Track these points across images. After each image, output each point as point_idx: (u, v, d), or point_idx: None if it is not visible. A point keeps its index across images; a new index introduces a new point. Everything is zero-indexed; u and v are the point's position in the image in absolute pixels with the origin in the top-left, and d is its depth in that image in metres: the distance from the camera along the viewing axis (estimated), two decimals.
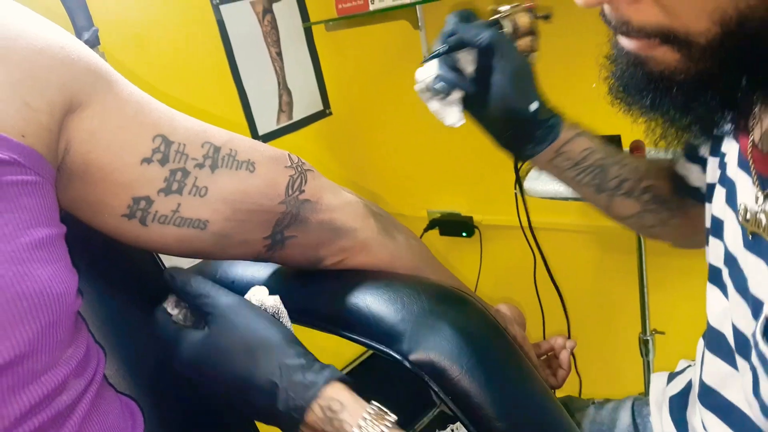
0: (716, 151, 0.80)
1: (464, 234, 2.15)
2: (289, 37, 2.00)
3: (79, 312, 0.63)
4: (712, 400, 0.78)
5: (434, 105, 0.86)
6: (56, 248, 0.55)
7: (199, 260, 0.98)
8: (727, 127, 0.61)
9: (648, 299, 1.67)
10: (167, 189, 0.64)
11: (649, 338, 1.69)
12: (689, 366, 0.97)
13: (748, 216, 0.67)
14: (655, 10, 0.54)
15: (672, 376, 0.99)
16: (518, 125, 0.87)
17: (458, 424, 1.06)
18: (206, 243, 0.68)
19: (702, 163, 0.86)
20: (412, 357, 0.65)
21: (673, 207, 0.95)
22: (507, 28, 0.86)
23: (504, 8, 0.88)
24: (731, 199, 0.73)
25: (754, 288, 0.66)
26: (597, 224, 1.84)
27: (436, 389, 0.65)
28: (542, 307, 1.73)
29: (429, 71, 0.85)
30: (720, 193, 0.76)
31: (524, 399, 0.68)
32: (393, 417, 0.61)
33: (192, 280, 0.71)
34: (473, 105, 0.88)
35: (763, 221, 0.64)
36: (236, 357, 0.65)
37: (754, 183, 0.66)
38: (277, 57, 1.98)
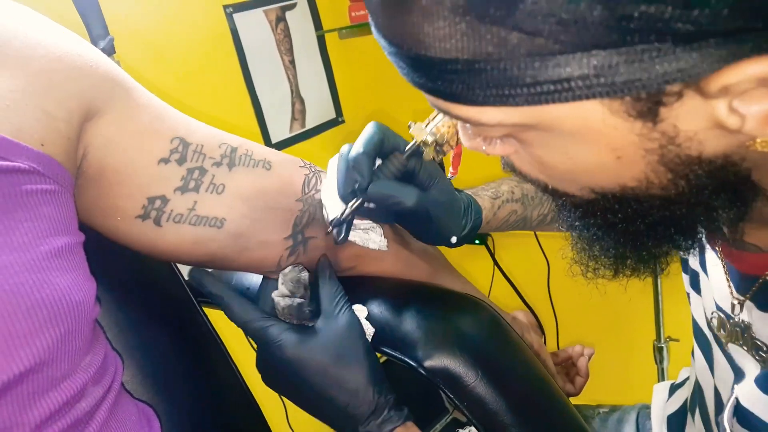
0: None
1: (477, 241, 2.14)
2: (302, 46, 2.01)
3: (96, 319, 0.63)
4: None
5: (351, 235, 0.76)
6: (75, 256, 0.55)
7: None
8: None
9: (662, 306, 1.66)
10: (184, 187, 0.64)
11: (663, 345, 1.68)
12: (689, 378, 0.96)
13: (727, 327, 0.63)
14: (534, 166, 0.51)
15: (673, 388, 0.98)
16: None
17: (468, 429, 1.06)
18: (223, 244, 0.68)
19: None
20: (427, 364, 0.65)
21: None
22: (429, 150, 0.71)
23: (420, 129, 0.72)
24: (702, 261, 0.70)
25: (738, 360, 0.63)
26: None
27: (451, 396, 0.64)
28: (556, 314, 1.73)
29: (336, 206, 0.72)
30: None
31: (540, 406, 0.68)
32: None
33: (329, 282, 0.71)
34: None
35: (740, 332, 0.60)
36: (326, 378, 0.65)
37: (727, 282, 0.62)
38: (290, 65, 1.98)
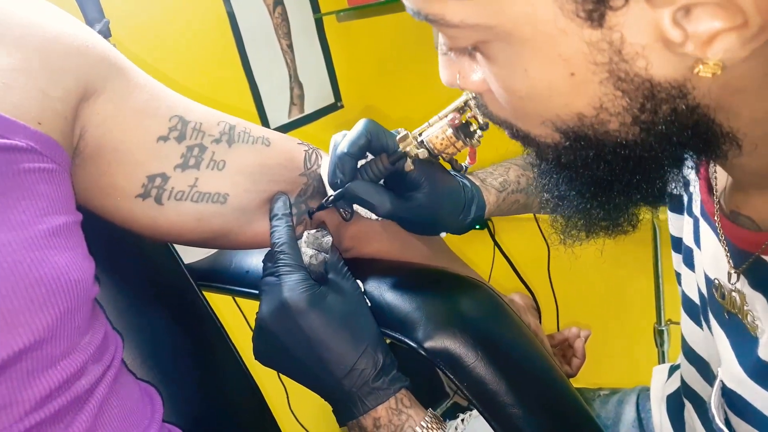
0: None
1: (477, 226, 2.13)
2: (300, 29, 1.99)
3: (96, 299, 0.63)
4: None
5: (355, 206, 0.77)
6: (73, 235, 0.55)
7: (213, 251, 0.98)
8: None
9: (663, 289, 1.66)
10: (184, 164, 0.64)
11: (663, 328, 1.68)
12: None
13: (725, 293, 0.63)
14: (501, 102, 0.52)
15: (672, 369, 0.98)
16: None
17: (469, 413, 1.06)
18: (227, 219, 0.68)
19: None
20: (427, 344, 0.65)
21: None
22: (418, 155, 0.71)
23: (405, 139, 0.72)
24: (696, 236, 0.70)
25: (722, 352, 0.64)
26: None
27: (451, 377, 0.64)
28: (556, 298, 1.73)
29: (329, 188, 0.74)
30: (688, 222, 0.73)
31: (539, 385, 0.68)
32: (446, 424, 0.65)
33: (332, 250, 0.70)
34: None
35: (737, 301, 0.61)
36: (339, 331, 0.64)
37: (725, 251, 0.62)
38: (288, 49, 1.97)
